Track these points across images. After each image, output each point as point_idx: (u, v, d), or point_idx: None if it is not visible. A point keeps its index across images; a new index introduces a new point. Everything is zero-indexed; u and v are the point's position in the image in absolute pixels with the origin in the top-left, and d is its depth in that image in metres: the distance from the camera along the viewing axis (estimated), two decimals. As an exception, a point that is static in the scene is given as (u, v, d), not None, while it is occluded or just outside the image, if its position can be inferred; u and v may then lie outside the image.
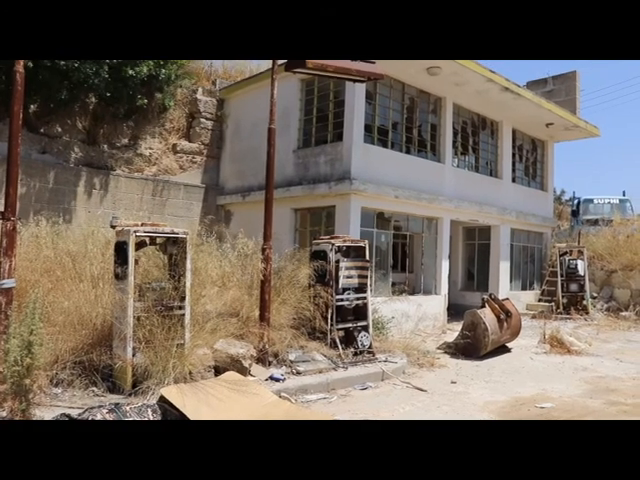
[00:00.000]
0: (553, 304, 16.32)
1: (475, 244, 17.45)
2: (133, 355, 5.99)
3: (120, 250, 6.26)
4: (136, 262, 6.26)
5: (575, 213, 22.85)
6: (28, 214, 11.22)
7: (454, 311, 14.57)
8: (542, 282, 18.04)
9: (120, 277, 6.13)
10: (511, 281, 17.02)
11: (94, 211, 12.28)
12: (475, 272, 17.46)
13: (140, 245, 6.46)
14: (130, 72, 11.89)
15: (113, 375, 6.06)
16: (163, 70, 12.72)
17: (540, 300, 17.50)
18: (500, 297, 11.31)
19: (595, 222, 20.38)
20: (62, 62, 10.73)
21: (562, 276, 16.45)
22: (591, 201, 22.60)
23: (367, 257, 8.92)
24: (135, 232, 6.20)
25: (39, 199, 11.62)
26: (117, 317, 6.12)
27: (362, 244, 8.93)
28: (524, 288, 17.89)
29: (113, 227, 6.46)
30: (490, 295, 10.57)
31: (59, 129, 12.30)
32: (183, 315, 6.44)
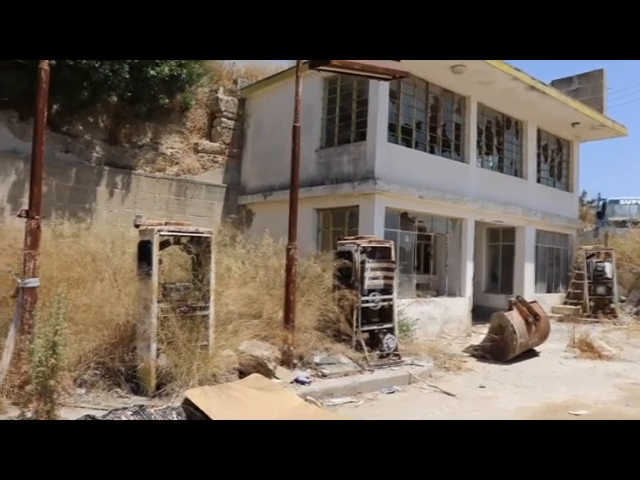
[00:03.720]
0: (579, 307, 15.96)
1: (499, 245, 17.15)
2: (157, 356, 5.88)
3: (144, 249, 6.15)
4: (160, 262, 6.15)
5: (601, 215, 22.44)
6: (50, 213, 11.21)
7: (478, 313, 14.28)
8: (567, 285, 17.67)
9: (143, 277, 6.02)
10: (536, 283, 16.68)
11: (115, 210, 12.24)
12: (499, 274, 17.16)
13: (164, 244, 6.35)
14: (151, 72, 11.82)
15: (136, 376, 5.95)
16: (184, 70, 12.63)
17: (566, 303, 17.13)
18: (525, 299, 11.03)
19: (622, 223, 19.98)
20: (83, 61, 10.68)
21: (589, 279, 16.09)
22: (617, 202, 22.21)
23: (393, 258, 8.73)
24: (159, 231, 6.09)
25: (61, 198, 11.59)
26: (140, 317, 6.00)
27: (388, 245, 8.74)
28: (549, 290, 17.54)
29: (137, 226, 6.36)
30: (518, 297, 10.32)
31: (81, 128, 12.28)
32: (207, 316, 6.32)
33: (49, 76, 5.89)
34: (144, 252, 6.13)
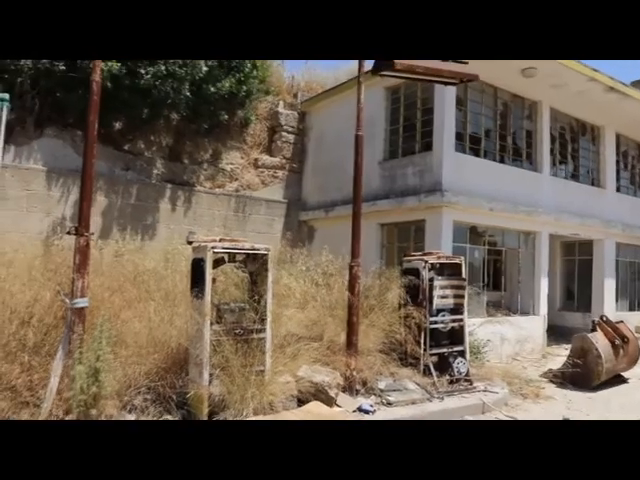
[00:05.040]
0: (668, 327, 14.66)
1: (575, 260, 16.05)
2: (209, 382, 5.49)
3: (197, 268, 5.81)
4: (213, 281, 5.80)
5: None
6: (111, 230, 11.22)
7: (553, 333, 13.36)
8: (653, 302, 16.40)
9: (196, 297, 5.66)
10: (617, 300, 15.46)
11: (175, 227, 12.13)
12: (575, 290, 16.04)
13: (218, 262, 6.01)
14: (212, 89, 11.74)
15: (188, 403, 5.58)
16: (244, 87, 12.50)
17: (652, 322, 15.85)
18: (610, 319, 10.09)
19: None
20: (142, 81, 10.67)
21: (679, 295, 14.80)
22: None
23: (463, 275, 8.11)
24: (213, 248, 5.73)
25: (122, 215, 11.57)
26: (193, 340, 5.65)
27: (458, 261, 8.13)
28: (632, 308, 16.26)
29: (189, 243, 6.05)
30: (602, 317, 9.43)
31: (142, 146, 12.26)
32: (263, 339, 5.89)
33: (101, 88, 5.70)
34: (197, 270, 5.79)
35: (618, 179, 15.86)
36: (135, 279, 6.68)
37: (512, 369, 9.23)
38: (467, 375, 7.83)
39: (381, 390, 6.89)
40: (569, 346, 10.18)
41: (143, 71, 10.63)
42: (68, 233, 5.39)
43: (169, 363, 5.76)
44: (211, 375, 5.52)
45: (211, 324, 5.58)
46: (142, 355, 5.65)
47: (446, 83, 8.29)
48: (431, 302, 7.68)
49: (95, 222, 10.75)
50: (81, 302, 5.25)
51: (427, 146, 11.45)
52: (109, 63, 10.01)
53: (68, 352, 5.08)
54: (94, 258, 6.69)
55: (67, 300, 5.23)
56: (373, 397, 6.77)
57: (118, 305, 5.93)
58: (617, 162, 15.80)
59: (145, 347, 5.70)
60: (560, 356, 11.29)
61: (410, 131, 12.10)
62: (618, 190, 15.83)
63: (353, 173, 7.26)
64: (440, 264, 8.00)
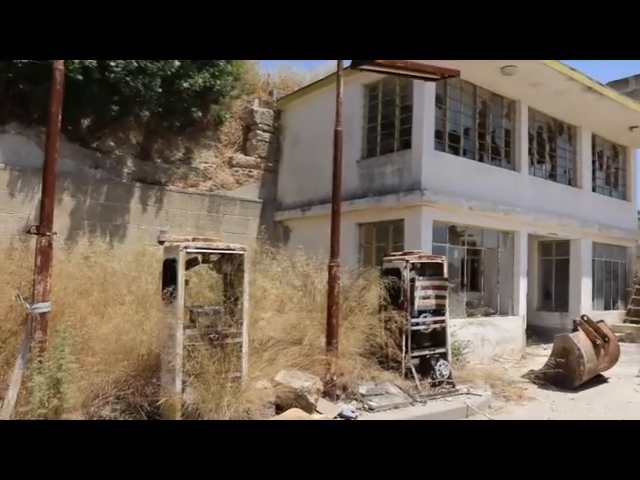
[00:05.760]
0: (643, 326, 14.73)
1: (552, 260, 16.02)
2: (182, 390, 5.17)
3: (168, 269, 5.48)
4: (186, 282, 5.47)
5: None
6: (79, 231, 10.79)
7: (531, 333, 13.27)
8: (627, 301, 16.44)
9: (168, 300, 5.33)
10: (593, 300, 15.50)
11: (146, 228, 11.71)
12: (553, 290, 16.01)
13: (191, 263, 5.68)
14: (184, 84, 11.35)
15: (159, 413, 5.25)
16: (218, 81, 12.13)
17: (625, 321, 15.90)
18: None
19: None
20: (112, 75, 10.25)
21: (653, 294, 14.87)
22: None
23: (445, 275, 7.90)
24: (185, 248, 5.41)
25: (90, 216, 11.12)
26: (165, 346, 5.32)
27: (439, 260, 7.92)
28: (607, 307, 16.32)
29: (161, 243, 5.70)
30: (583, 317, 9.31)
31: (112, 144, 11.83)
32: (240, 343, 5.58)
33: (64, 78, 5.35)
34: (169, 272, 5.46)
35: (594, 179, 15.92)
36: (104, 282, 6.31)
37: (493, 370, 9.09)
38: (449, 378, 7.63)
39: (362, 395, 6.63)
40: (548, 346, 10.08)
41: (113, 63, 10.21)
42: (28, 232, 5.02)
43: (139, 370, 5.42)
44: (184, 382, 5.19)
45: (184, 328, 5.26)
46: (110, 362, 5.32)
47: (426, 79, 8.09)
48: (412, 303, 7.45)
49: (62, 223, 10.33)
50: (42, 307, 4.88)
51: (406, 144, 11.24)
52: (83, 56, 9.60)
53: (28, 361, 4.72)
54: (60, 260, 6.33)
55: (27, 305, 4.86)
56: (354, 402, 6.51)
57: (84, 310, 5.58)
58: (593, 162, 15.85)
59: (113, 354, 5.37)
60: (540, 356, 11.21)
61: (388, 129, 11.87)
62: (594, 190, 15.87)
63: (332, 170, 7.02)
64: (421, 264, 7.78)
